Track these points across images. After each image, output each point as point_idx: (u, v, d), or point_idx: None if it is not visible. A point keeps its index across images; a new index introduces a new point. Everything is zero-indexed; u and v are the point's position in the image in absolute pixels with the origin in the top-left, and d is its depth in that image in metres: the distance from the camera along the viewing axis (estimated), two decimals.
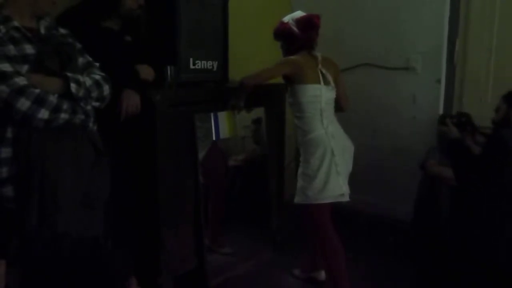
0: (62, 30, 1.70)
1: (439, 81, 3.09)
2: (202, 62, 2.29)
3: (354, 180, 2.27)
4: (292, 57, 2.21)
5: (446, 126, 2.24)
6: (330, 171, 2.10)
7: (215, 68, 2.37)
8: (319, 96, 2.14)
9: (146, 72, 2.04)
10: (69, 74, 1.56)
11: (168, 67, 2.10)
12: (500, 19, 2.93)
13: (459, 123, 2.28)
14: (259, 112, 2.86)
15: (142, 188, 2.13)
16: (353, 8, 3.39)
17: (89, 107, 1.66)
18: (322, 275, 2.50)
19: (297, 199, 2.18)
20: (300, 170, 2.19)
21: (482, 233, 2.32)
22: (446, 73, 3.11)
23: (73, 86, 1.55)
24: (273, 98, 2.68)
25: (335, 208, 2.23)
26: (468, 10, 3.05)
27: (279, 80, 2.27)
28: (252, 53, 2.96)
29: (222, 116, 2.85)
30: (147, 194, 2.12)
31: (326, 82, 2.18)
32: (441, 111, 3.15)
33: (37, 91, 1.48)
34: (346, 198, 2.16)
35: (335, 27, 3.29)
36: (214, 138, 2.78)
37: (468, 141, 2.41)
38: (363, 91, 3.29)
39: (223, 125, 2.87)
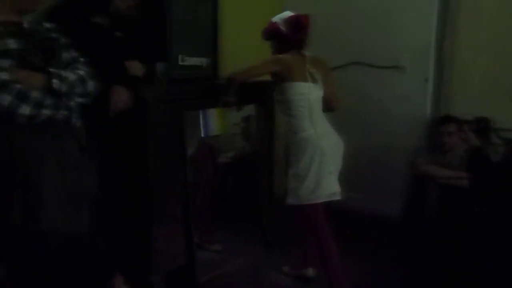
0: (47, 25, 1.68)
1: (427, 80, 3.13)
2: (193, 59, 2.28)
3: (344, 178, 2.27)
4: (280, 55, 2.21)
5: (464, 132, 2.18)
6: (321, 171, 2.10)
7: (205, 65, 2.37)
8: (307, 94, 2.15)
9: (135, 68, 2.03)
10: (51, 70, 1.55)
11: (158, 64, 2.10)
12: (488, 20, 2.97)
13: (478, 129, 2.21)
14: (249, 109, 2.87)
15: (132, 185, 2.12)
16: (344, 7, 3.40)
17: (72, 103, 1.64)
18: (311, 272, 2.51)
19: (289, 200, 2.18)
20: (291, 170, 2.19)
21: (471, 232, 2.35)
22: (434, 72, 3.14)
23: (55, 82, 1.53)
24: (263, 96, 2.68)
25: (326, 206, 2.24)
26: (456, 10, 3.09)
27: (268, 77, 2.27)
28: (242, 50, 2.96)
29: (212, 113, 2.85)
30: (137, 191, 2.11)
31: (314, 81, 2.19)
32: (429, 110, 3.18)
33: (19, 86, 1.46)
34: (338, 197, 2.16)
35: (326, 26, 3.30)
36: (203, 135, 2.78)
37: (488, 149, 2.31)
38: (353, 89, 3.31)
39: (213, 122, 2.87)
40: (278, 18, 2.24)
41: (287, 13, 2.25)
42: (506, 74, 2.93)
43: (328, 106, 2.30)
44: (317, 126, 2.14)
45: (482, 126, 2.27)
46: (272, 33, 2.25)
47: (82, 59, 1.73)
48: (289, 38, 2.20)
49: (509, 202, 1.96)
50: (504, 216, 2.03)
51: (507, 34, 2.90)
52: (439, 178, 2.70)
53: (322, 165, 2.10)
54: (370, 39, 3.29)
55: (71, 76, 1.61)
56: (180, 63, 2.23)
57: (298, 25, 2.20)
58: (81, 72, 1.67)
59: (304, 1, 2.87)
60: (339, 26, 3.40)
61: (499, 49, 2.93)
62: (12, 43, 1.51)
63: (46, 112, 1.52)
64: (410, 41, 3.14)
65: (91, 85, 1.69)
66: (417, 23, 3.10)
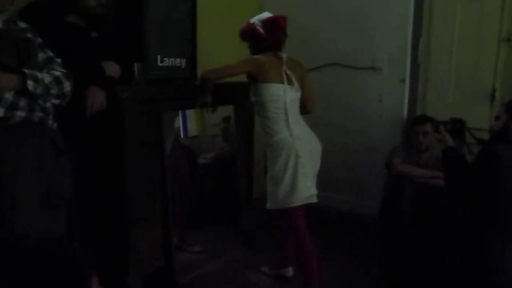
0: (22, 25, 1.64)
1: (403, 81, 3.19)
2: (170, 59, 2.27)
3: (322, 178, 2.29)
4: (256, 56, 2.20)
5: (440, 133, 2.21)
6: (297, 173, 2.09)
7: (183, 66, 2.36)
8: (282, 95, 2.13)
9: (112, 68, 2.01)
10: (26, 71, 1.51)
11: (136, 64, 2.08)
12: (461, 21, 3.04)
13: (453, 130, 2.24)
14: (228, 110, 2.87)
15: (109, 186, 2.10)
16: (322, 8, 3.44)
17: (48, 104, 1.60)
18: (290, 271, 2.53)
19: (268, 205, 2.17)
20: (268, 173, 2.18)
21: (445, 230, 2.39)
22: (410, 73, 3.20)
23: (30, 83, 1.50)
24: (241, 96, 2.68)
25: (304, 206, 2.25)
26: (431, 12, 3.16)
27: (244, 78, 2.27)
28: (221, 51, 2.96)
29: (190, 114, 2.84)
30: (114, 192, 2.10)
31: (290, 83, 2.17)
32: (405, 111, 3.24)
33: None
34: (314, 199, 2.16)
35: (304, 27, 3.33)
36: (182, 136, 2.77)
37: (463, 149, 2.34)
38: (331, 90, 3.35)
39: (191, 123, 2.87)
40: (256, 19, 2.24)
41: (266, 14, 2.24)
42: (480, 74, 3.01)
43: (305, 108, 2.30)
44: (293, 128, 2.13)
45: (457, 127, 2.31)
46: (249, 34, 2.24)
47: (58, 60, 1.70)
48: (266, 39, 2.19)
49: (483, 201, 2.01)
50: (478, 215, 2.07)
51: (480, 35, 2.98)
52: (414, 177, 2.75)
53: (297, 167, 2.09)
54: (347, 40, 3.34)
55: (46, 77, 1.57)
56: (159, 64, 2.22)
57: (275, 26, 2.19)
58: (57, 73, 1.63)
59: (280, 2, 2.89)
60: (316, 28, 3.43)
61: (473, 50, 3.01)
62: None
63: (20, 114, 1.49)
64: (386, 42, 3.20)
65: (67, 86, 1.66)
66: (393, 24, 3.16)
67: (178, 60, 2.32)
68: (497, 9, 2.90)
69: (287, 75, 2.17)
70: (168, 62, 2.26)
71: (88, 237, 2.02)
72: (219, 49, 2.99)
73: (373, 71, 3.27)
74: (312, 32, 3.43)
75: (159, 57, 2.22)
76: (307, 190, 2.11)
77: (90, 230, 2.07)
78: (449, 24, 3.07)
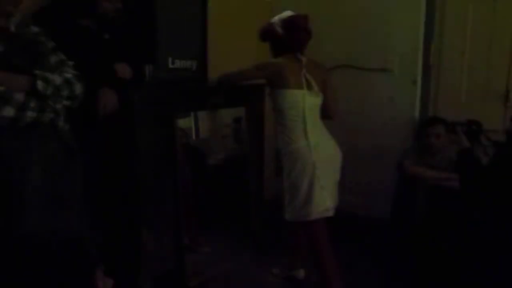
0: (35, 29, 1.66)
1: (415, 82, 3.16)
2: (182, 61, 2.29)
3: None
4: (273, 60, 2.14)
5: (456, 134, 2.17)
6: (313, 186, 2.02)
7: (194, 68, 2.38)
8: (300, 102, 2.05)
9: (123, 70, 2.02)
10: (36, 72, 1.53)
11: (147, 66, 2.10)
12: (473, 22, 3.01)
13: (469, 131, 2.21)
14: (240, 111, 2.87)
15: (121, 188, 2.10)
16: (333, 10, 3.42)
17: (58, 106, 1.62)
18: (302, 273, 2.52)
19: (287, 216, 2.13)
20: (285, 183, 2.13)
21: (459, 233, 2.37)
22: (422, 74, 3.18)
23: (39, 84, 1.51)
24: (253, 98, 2.69)
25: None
26: (442, 14, 3.13)
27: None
28: (232, 53, 2.97)
29: (202, 115, 2.85)
30: (126, 194, 2.11)
31: (310, 88, 2.08)
32: (417, 112, 3.22)
33: (2, 88, 1.45)
34: (331, 213, 2.09)
35: (315, 29, 3.31)
36: (193, 137, 2.78)
37: (479, 151, 2.26)
38: (342, 92, 3.32)
39: (202, 124, 2.87)
40: (276, 18, 2.15)
41: (287, 13, 2.15)
42: (493, 75, 2.97)
43: (327, 113, 2.22)
44: (310, 137, 2.04)
45: (473, 129, 2.28)
46: (267, 34, 2.17)
47: (70, 62, 1.71)
48: (284, 39, 2.10)
49: (498, 203, 1.98)
50: (493, 218, 2.05)
51: (493, 36, 2.95)
52: (427, 180, 2.72)
53: (313, 179, 2.02)
54: (358, 42, 3.32)
55: (57, 78, 1.59)
56: (170, 65, 2.24)
57: (294, 25, 2.09)
58: (68, 75, 1.65)
59: (292, 2, 2.87)
60: (327, 29, 3.41)
61: (485, 51, 2.98)
62: None
63: (31, 114, 1.50)
64: (398, 44, 3.17)
65: (78, 88, 1.67)
66: (405, 25, 3.14)
67: (189, 62, 2.34)
68: (509, 10, 2.87)
69: (306, 79, 2.08)
70: (179, 64, 2.28)
71: (100, 238, 2.03)
72: (230, 51, 2.99)
73: (384, 72, 3.25)
74: (323, 33, 3.41)
75: (170, 59, 2.23)
76: (322, 204, 2.04)
77: (102, 232, 2.08)
78: (461, 24, 3.04)
